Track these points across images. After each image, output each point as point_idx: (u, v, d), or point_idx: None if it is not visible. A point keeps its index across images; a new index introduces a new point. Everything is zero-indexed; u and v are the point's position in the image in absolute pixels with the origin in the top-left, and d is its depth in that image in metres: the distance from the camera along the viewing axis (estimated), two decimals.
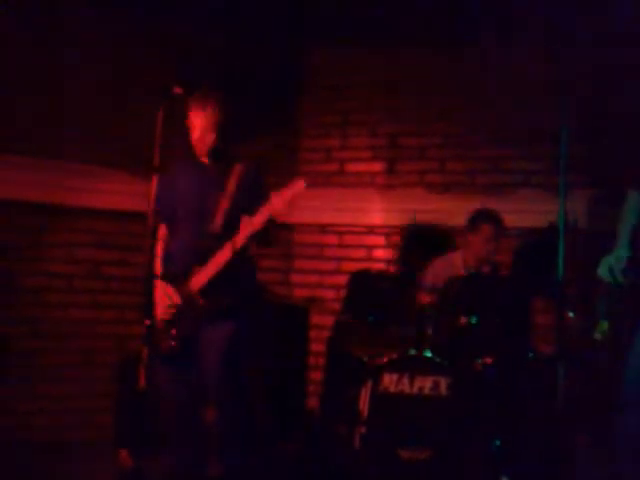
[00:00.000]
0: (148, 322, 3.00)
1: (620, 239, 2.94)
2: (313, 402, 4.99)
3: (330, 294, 5.25)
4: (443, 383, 3.83)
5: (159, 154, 3.09)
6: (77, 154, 4.63)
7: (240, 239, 3.10)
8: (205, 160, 3.39)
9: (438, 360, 3.91)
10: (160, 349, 3.17)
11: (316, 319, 5.18)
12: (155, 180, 3.05)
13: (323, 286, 5.34)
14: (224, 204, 3.21)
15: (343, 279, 4.83)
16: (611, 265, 2.94)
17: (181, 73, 4.49)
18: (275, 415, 4.54)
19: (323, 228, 5.41)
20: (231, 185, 3.24)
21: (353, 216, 5.33)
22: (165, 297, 3.22)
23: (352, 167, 5.43)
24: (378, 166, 5.36)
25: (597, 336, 3.01)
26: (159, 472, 3.25)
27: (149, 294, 3.10)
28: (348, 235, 5.37)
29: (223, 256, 3.14)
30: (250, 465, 3.36)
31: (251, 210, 3.12)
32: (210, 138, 3.30)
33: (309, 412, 4.92)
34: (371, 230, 5.32)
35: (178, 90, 3.10)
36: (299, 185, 3.02)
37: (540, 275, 4.04)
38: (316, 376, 5.04)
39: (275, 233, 3.26)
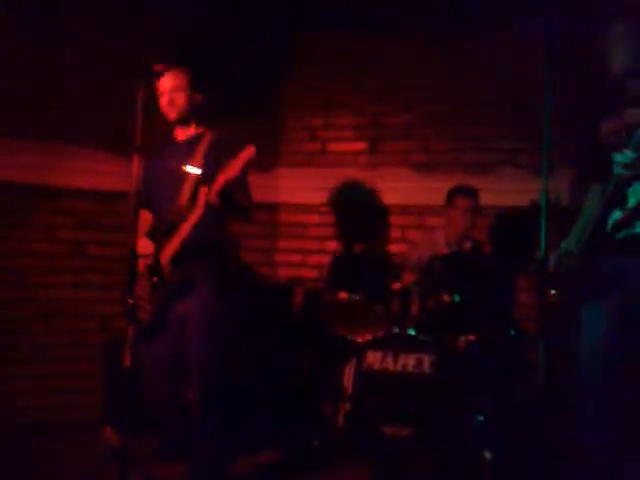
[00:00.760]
0: (131, 301, 3.01)
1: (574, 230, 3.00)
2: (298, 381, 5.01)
3: (314, 273, 5.26)
4: (426, 360, 3.86)
5: (140, 133, 3.08)
6: (59, 135, 4.60)
7: (199, 209, 3.14)
8: (178, 133, 3.40)
9: (422, 338, 3.94)
10: (140, 325, 3.19)
11: (300, 298, 5.20)
12: (137, 160, 3.04)
13: (306, 265, 5.35)
14: (191, 179, 3.22)
15: (326, 258, 4.85)
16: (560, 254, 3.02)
17: (165, 50, 4.46)
18: (260, 395, 4.57)
19: (307, 208, 5.40)
20: (198, 155, 3.26)
21: None
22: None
23: (335, 146, 5.42)
24: (361, 145, 5.36)
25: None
26: (143, 451, 3.24)
27: (131, 273, 3.11)
28: (332, 214, 5.36)
29: (187, 226, 3.20)
30: (231, 445, 3.35)
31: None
32: (180, 100, 3.32)
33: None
34: None
35: (158, 67, 3.08)
36: (250, 150, 3.04)
37: (522, 253, 4.08)
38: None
39: (244, 202, 3.26)
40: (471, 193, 4.44)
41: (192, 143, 3.33)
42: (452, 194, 4.48)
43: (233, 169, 3.02)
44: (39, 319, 4.61)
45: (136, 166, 3.03)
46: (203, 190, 3.10)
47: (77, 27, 4.65)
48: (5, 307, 4.50)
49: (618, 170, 2.82)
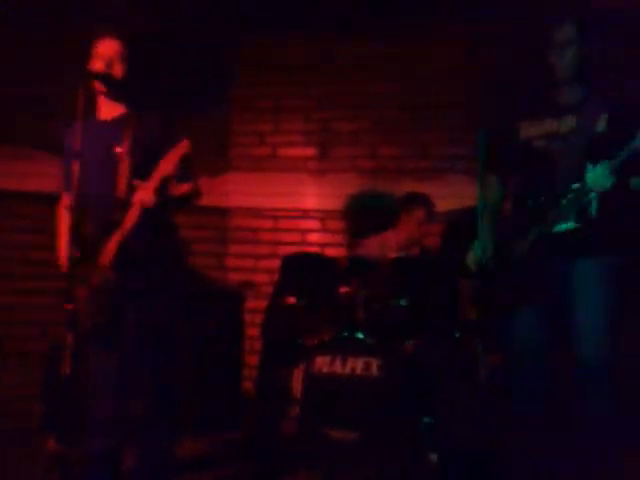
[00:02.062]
0: (70, 307, 2.91)
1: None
2: (248, 386, 5.00)
3: (265, 278, 5.25)
4: (374, 364, 3.87)
5: (81, 138, 3.03)
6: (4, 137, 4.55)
7: (135, 208, 2.97)
8: (102, 109, 3.22)
9: (370, 341, 3.95)
10: (83, 330, 3.04)
11: (251, 303, 5.20)
12: (77, 164, 2.99)
13: (258, 270, 5.34)
14: (124, 165, 3.05)
15: (278, 263, 4.84)
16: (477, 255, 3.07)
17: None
18: (209, 400, 4.54)
19: (257, 212, 5.39)
20: (127, 141, 3.07)
21: (287, 200, 5.32)
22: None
23: (284, 152, 5.43)
24: (311, 151, 5.37)
25: None
26: (81, 458, 3.16)
27: (69, 278, 3.00)
28: (283, 219, 5.36)
29: (126, 226, 2.99)
30: (174, 455, 3.26)
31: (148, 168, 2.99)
32: (117, 69, 3.13)
33: (244, 396, 4.93)
34: (305, 214, 5.33)
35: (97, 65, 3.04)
36: (184, 145, 2.93)
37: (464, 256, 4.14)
38: (251, 360, 5.06)
39: (187, 192, 3.15)
40: (428, 204, 4.48)
41: (120, 123, 3.13)
42: (406, 201, 4.51)
43: (166, 167, 2.91)
44: None
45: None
46: (138, 189, 2.95)
47: None
48: None
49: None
